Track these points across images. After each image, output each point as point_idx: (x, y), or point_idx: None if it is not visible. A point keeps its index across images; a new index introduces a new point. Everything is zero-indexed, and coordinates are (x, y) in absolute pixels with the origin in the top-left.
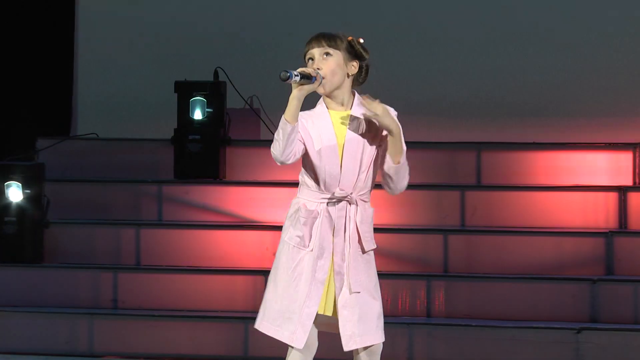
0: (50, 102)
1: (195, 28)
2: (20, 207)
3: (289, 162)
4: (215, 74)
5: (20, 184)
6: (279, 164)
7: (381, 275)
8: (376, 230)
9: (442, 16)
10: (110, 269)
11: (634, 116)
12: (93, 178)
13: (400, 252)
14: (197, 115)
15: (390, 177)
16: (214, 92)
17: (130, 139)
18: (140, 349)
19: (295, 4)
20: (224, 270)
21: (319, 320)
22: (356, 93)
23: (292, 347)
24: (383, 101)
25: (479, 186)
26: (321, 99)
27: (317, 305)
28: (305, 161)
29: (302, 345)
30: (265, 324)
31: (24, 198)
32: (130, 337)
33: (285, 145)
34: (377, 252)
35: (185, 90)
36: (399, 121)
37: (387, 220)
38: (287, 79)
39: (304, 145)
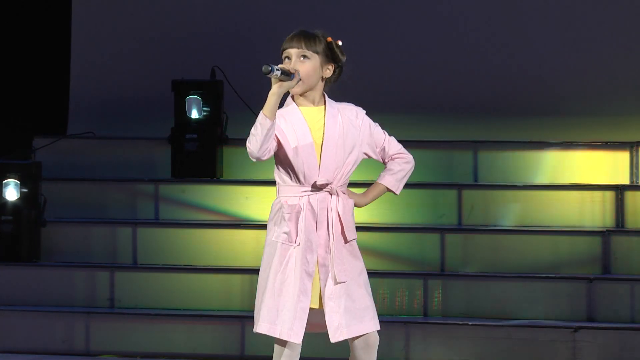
0: (47, 101)
1: (192, 26)
2: (16, 206)
3: (264, 158)
4: (212, 72)
5: (17, 183)
6: (253, 159)
7: (378, 274)
8: (373, 229)
9: (438, 16)
10: (106, 268)
11: (631, 115)
12: (90, 177)
13: (397, 251)
14: (194, 114)
15: None
16: (211, 91)
17: (127, 138)
18: (136, 347)
19: (294, 3)
20: (221, 269)
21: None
22: (330, 102)
23: (283, 346)
24: (371, 101)
25: (476, 185)
26: (289, 97)
27: (309, 299)
28: (280, 159)
29: (300, 340)
30: (262, 325)
31: (20, 197)
32: (126, 336)
33: (262, 140)
34: (374, 251)
35: (182, 89)
36: (372, 118)
37: (384, 219)
38: (269, 73)
39: (278, 142)
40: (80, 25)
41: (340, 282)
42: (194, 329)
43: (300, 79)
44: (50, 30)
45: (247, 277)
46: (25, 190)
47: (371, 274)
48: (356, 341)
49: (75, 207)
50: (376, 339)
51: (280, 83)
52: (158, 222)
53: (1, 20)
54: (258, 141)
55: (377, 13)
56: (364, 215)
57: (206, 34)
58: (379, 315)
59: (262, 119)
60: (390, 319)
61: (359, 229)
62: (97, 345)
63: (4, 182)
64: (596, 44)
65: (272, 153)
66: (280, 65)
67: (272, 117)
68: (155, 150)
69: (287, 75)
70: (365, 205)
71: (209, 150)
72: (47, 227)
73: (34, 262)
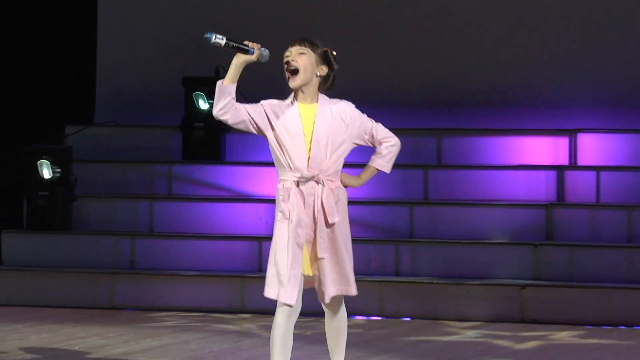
0: (76, 94)
1: (199, 31)
2: (51, 184)
3: (222, 118)
4: (217, 70)
5: (49, 164)
6: (215, 119)
7: (356, 241)
8: (352, 203)
9: (407, 16)
10: (127, 235)
11: (571, 106)
12: (113, 159)
13: (373, 222)
14: (202, 106)
15: None
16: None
17: (145, 126)
18: (153, 303)
19: (293, 6)
20: (224, 237)
21: (305, 279)
22: (322, 97)
23: (282, 305)
24: (351, 93)
25: (440, 166)
26: (292, 93)
27: (301, 267)
28: (274, 147)
29: (294, 302)
30: (266, 289)
31: (54, 176)
32: (144, 293)
33: (217, 101)
34: (353, 221)
35: (191, 85)
36: (360, 109)
37: (362, 194)
38: (207, 41)
39: (256, 123)
40: (105, 29)
41: (321, 257)
42: (201, 287)
43: (291, 79)
44: (80, 33)
45: (246, 243)
46: (58, 170)
47: (359, 240)
48: (333, 300)
49: (101, 185)
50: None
51: (237, 55)
52: (171, 197)
53: (38, 24)
54: (215, 102)
55: (368, 14)
56: (347, 191)
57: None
58: (359, 276)
59: (218, 83)
60: (366, 279)
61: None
62: (120, 300)
63: (39, 162)
64: (543, 44)
65: (235, 120)
66: (229, 39)
67: (228, 82)
68: (169, 137)
69: (243, 50)
70: (359, 185)
71: (214, 136)
72: (77, 201)
73: (66, 231)
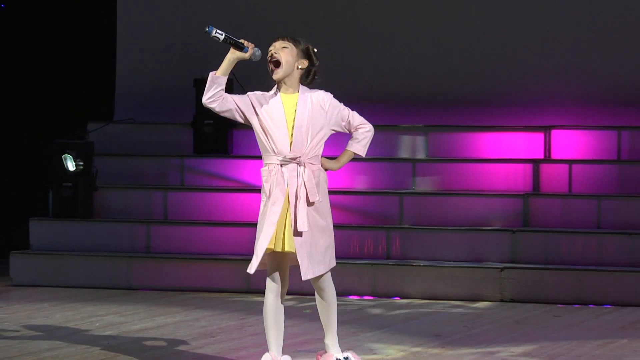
0: (97, 95)
1: (207, 37)
2: (75, 175)
3: (210, 106)
4: None
5: (74, 158)
6: (205, 106)
7: (351, 227)
8: (349, 192)
9: (391, 20)
10: (144, 222)
11: (545, 105)
12: (131, 153)
13: (366, 210)
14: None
15: None
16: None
17: (159, 123)
18: (167, 283)
19: (291, 14)
20: (231, 223)
21: (289, 256)
22: (302, 88)
23: (270, 283)
24: (343, 93)
25: (427, 159)
26: (275, 85)
27: (268, 241)
28: (259, 133)
29: (252, 272)
30: (250, 266)
31: (77, 168)
32: (159, 275)
33: (207, 90)
34: (349, 209)
35: (201, 86)
36: (339, 99)
37: (356, 185)
38: (208, 33)
39: (243, 112)
40: (123, 36)
41: (301, 231)
42: (210, 269)
43: (274, 71)
44: (101, 39)
45: (252, 229)
46: (81, 163)
47: (346, 227)
48: (318, 278)
49: (119, 176)
50: (329, 273)
51: (232, 50)
52: (183, 187)
53: (63, 34)
54: (205, 91)
55: (358, 19)
56: (343, 182)
57: (218, 44)
58: (352, 260)
59: (211, 73)
60: (360, 262)
61: (339, 193)
62: (136, 282)
63: (64, 156)
64: (518, 47)
65: (222, 108)
66: (227, 35)
67: (220, 74)
68: (181, 132)
69: (238, 46)
70: (338, 169)
71: (222, 132)
72: (98, 191)
73: (88, 218)
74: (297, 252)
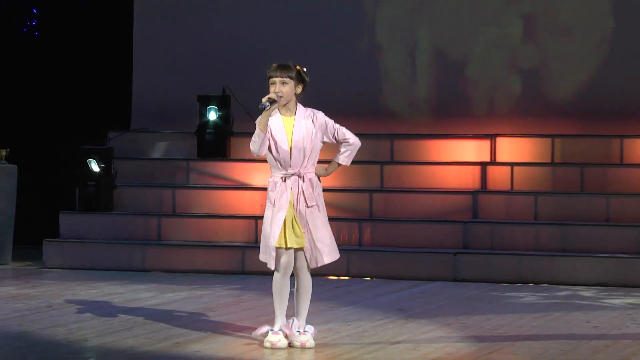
0: (117, 107)
1: (211, 60)
2: (97, 176)
3: (262, 155)
4: (224, 90)
5: (97, 161)
6: (255, 156)
7: (332, 219)
8: (328, 190)
9: (367, 46)
10: (155, 215)
11: (491, 116)
12: (144, 157)
13: (343, 204)
14: (212, 116)
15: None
16: (223, 102)
17: (169, 132)
18: (175, 267)
19: (281, 41)
20: (229, 216)
21: (292, 250)
22: (299, 106)
23: (273, 268)
24: (322, 105)
25: (392, 162)
26: (277, 109)
27: (276, 240)
28: (269, 153)
29: (273, 267)
30: (261, 255)
31: (100, 169)
32: (168, 259)
33: (260, 145)
34: (328, 204)
35: (204, 101)
36: (329, 117)
37: (335, 184)
38: (263, 109)
39: (269, 142)
40: (139, 58)
41: (305, 230)
42: (212, 254)
43: (281, 97)
44: (120, 60)
45: (246, 221)
46: (102, 165)
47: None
48: (302, 264)
49: (135, 176)
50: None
51: (271, 109)
52: (189, 186)
53: (88, 55)
54: (257, 145)
55: (344, 40)
56: (324, 182)
57: (219, 66)
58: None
59: (259, 132)
60: (337, 248)
61: (323, 190)
62: (149, 265)
63: (89, 160)
64: (467, 64)
65: (266, 151)
66: (267, 98)
67: (265, 131)
68: (187, 140)
69: (275, 102)
70: (326, 175)
71: (221, 140)
72: (117, 189)
73: (109, 211)
74: (306, 246)
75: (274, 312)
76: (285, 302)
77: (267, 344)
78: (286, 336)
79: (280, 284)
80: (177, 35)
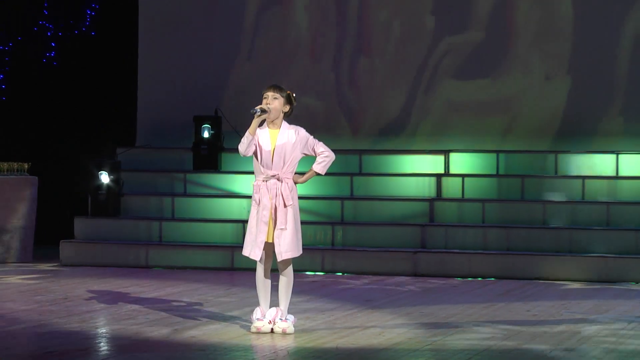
0: (123, 127)
1: (204, 86)
2: (107, 185)
3: (247, 155)
4: (216, 111)
5: (107, 173)
6: (242, 155)
7: (308, 222)
8: (305, 198)
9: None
10: (157, 219)
11: (445, 135)
12: (148, 169)
13: (318, 210)
14: (206, 134)
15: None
16: (215, 122)
17: (168, 147)
18: (174, 263)
19: (263, 73)
20: (220, 220)
21: (272, 244)
22: (285, 122)
23: (256, 261)
24: (301, 122)
25: (361, 174)
26: (265, 122)
27: (264, 236)
28: (255, 158)
29: (259, 258)
30: (244, 250)
31: (109, 180)
32: (167, 257)
33: (246, 147)
34: (306, 209)
35: (199, 121)
36: (308, 132)
37: (312, 192)
38: (254, 113)
39: (256, 147)
40: (143, 84)
41: (280, 228)
42: (205, 253)
43: (271, 111)
44: (126, 85)
45: (234, 224)
46: (112, 176)
47: (306, 222)
48: (281, 260)
49: (140, 186)
50: (291, 259)
51: (259, 116)
52: (186, 194)
53: (100, 80)
54: (244, 146)
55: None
56: (302, 190)
57: (211, 91)
58: (308, 246)
59: (247, 135)
60: (313, 247)
61: (301, 197)
62: (152, 262)
63: (100, 172)
64: (421, 89)
65: (251, 154)
66: (259, 107)
67: (253, 134)
68: (184, 154)
69: (264, 112)
70: (303, 182)
71: (214, 155)
72: (124, 197)
73: (117, 216)
74: (275, 241)
75: (258, 303)
76: (269, 292)
77: (253, 329)
78: (270, 322)
79: (262, 276)
80: (176, 64)
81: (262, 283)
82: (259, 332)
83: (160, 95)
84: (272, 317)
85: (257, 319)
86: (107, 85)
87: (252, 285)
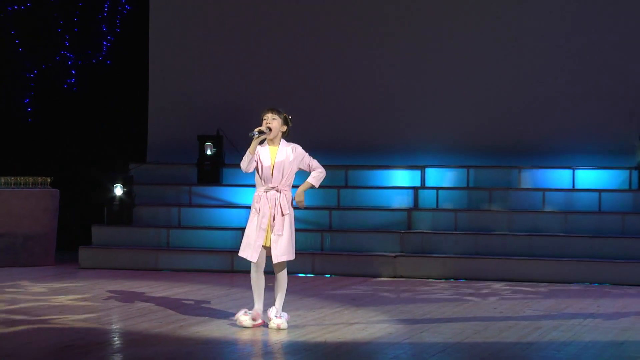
0: (135, 145)
1: (208, 108)
2: (121, 197)
3: (249, 172)
4: (217, 131)
5: (121, 186)
6: (243, 172)
7: (302, 230)
8: (299, 208)
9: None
10: (165, 227)
11: (421, 151)
12: (157, 182)
13: (309, 219)
14: (209, 152)
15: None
16: (217, 141)
17: (175, 163)
18: (180, 266)
19: (260, 97)
20: (222, 228)
21: (268, 247)
22: (283, 140)
23: (252, 262)
24: (295, 141)
25: (347, 186)
26: (266, 140)
27: (262, 241)
28: (256, 172)
29: (256, 260)
30: (240, 251)
31: (123, 192)
32: (174, 260)
33: (247, 164)
34: (298, 218)
35: (202, 140)
36: (304, 149)
37: (305, 203)
38: (253, 136)
39: (257, 163)
40: (154, 105)
41: (278, 234)
42: (208, 257)
43: (271, 131)
44: (139, 107)
45: (234, 232)
46: (125, 189)
47: (298, 230)
48: (277, 263)
49: (150, 198)
50: (286, 262)
51: (259, 139)
52: (191, 205)
53: (115, 99)
54: (245, 163)
55: (317, 90)
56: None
57: (214, 113)
58: (300, 250)
59: (248, 154)
60: (304, 252)
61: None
62: (161, 265)
63: (114, 185)
64: (400, 109)
65: (252, 170)
66: (258, 129)
67: (253, 153)
68: (189, 169)
69: (263, 133)
70: (302, 192)
71: (216, 169)
72: (136, 207)
73: (129, 225)
74: (272, 245)
75: (263, 300)
76: (262, 291)
77: (237, 322)
78: (254, 319)
79: (256, 277)
80: (182, 90)
81: (256, 282)
82: (241, 325)
83: (168, 117)
84: (261, 315)
85: (244, 312)
86: (120, 108)
87: (250, 286)
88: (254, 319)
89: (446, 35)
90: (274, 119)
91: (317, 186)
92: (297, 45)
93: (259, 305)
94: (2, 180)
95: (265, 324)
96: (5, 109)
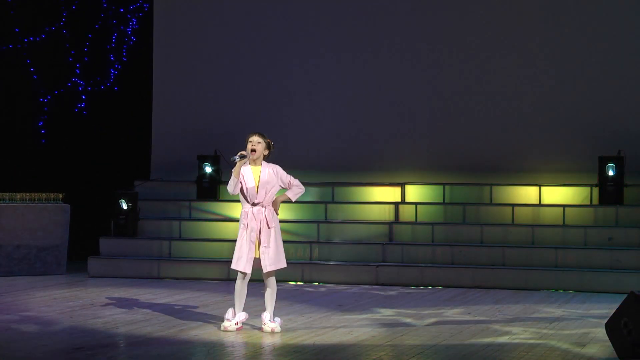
0: (140, 164)
1: (206, 130)
2: (127, 211)
3: (235, 194)
4: (215, 152)
5: (126, 201)
6: (230, 194)
7: (291, 241)
8: (288, 221)
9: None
10: (167, 239)
11: (401, 170)
12: (159, 198)
13: (299, 231)
14: (207, 170)
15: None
16: (215, 160)
17: (177, 181)
18: (180, 275)
19: (255, 120)
20: (219, 240)
21: (255, 262)
22: (264, 162)
23: (239, 273)
24: (289, 160)
25: (334, 202)
26: (248, 162)
27: (253, 252)
28: (241, 192)
29: (249, 271)
30: (232, 264)
31: (128, 207)
32: (176, 270)
33: (234, 187)
34: (289, 231)
35: (201, 159)
36: (282, 166)
37: (294, 217)
38: (234, 161)
39: (241, 184)
40: (157, 127)
41: (264, 246)
42: (206, 267)
43: (252, 155)
44: (143, 128)
45: (230, 243)
46: (130, 204)
47: (288, 241)
48: (267, 272)
49: (153, 212)
50: (275, 272)
51: (241, 162)
52: (191, 218)
53: (121, 122)
54: (232, 187)
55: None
56: (287, 216)
57: (212, 135)
58: (290, 260)
59: (233, 177)
60: (295, 262)
61: (284, 222)
62: (163, 274)
63: (119, 200)
64: (376, 127)
65: (238, 192)
66: (240, 153)
67: (237, 177)
68: (189, 186)
69: (244, 157)
70: (277, 204)
71: (214, 186)
72: (140, 221)
73: (134, 237)
74: (261, 256)
75: (242, 308)
76: (243, 301)
77: (222, 327)
78: (237, 323)
79: (240, 287)
80: (183, 114)
81: (239, 291)
82: (225, 330)
83: (170, 138)
84: (241, 319)
85: (227, 319)
86: (126, 131)
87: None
88: (236, 324)
89: (424, 62)
90: (259, 142)
91: (293, 200)
92: (286, 75)
93: (238, 311)
94: (18, 196)
95: (242, 328)
96: (21, 131)
